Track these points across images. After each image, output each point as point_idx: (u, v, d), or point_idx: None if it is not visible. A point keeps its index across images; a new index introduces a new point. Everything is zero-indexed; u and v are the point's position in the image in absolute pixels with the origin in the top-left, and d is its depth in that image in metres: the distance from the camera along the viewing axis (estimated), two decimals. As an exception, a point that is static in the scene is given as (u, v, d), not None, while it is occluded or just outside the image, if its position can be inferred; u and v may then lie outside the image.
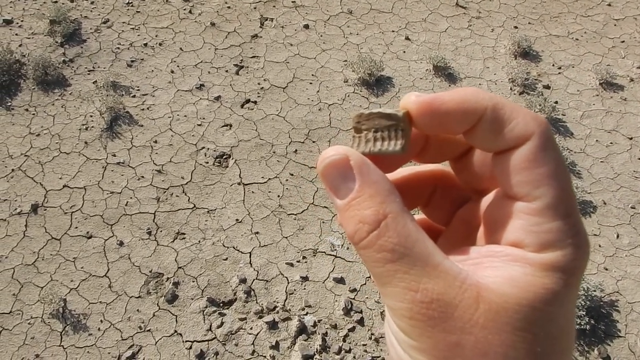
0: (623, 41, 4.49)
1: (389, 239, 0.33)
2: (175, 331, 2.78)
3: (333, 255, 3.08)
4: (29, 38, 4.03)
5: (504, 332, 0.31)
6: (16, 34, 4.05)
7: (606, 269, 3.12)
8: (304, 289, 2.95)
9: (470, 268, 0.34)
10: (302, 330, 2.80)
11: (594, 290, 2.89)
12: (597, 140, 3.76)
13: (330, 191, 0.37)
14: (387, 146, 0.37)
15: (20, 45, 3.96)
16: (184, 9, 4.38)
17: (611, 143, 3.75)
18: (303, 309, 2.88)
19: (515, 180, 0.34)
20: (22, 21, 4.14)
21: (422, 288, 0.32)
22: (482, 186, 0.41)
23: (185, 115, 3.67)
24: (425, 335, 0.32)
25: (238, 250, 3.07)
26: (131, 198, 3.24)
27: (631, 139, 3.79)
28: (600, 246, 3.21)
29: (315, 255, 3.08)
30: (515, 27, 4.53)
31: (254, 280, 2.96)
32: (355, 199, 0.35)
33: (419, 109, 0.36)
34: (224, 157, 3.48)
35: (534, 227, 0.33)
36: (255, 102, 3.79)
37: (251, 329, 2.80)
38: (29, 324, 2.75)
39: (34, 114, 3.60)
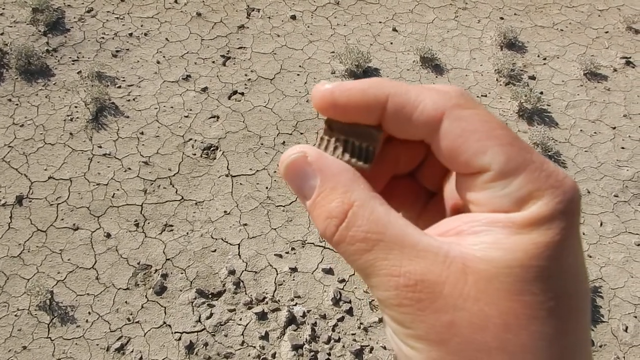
0: (607, 32, 4.54)
1: (359, 228, 0.31)
2: (164, 322, 2.77)
3: (322, 246, 3.09)
4: (11, 26, 3.95)
5: (499, 300, 0.29)
6: (-3, 24, 3.97)
7: (590, 256, 3.18)
8: (293, 279, 2.96)
9: (452, 238, 0.32)
10: (291, 320, 2.81)
11: (578, 278, 2.94)
12: (581, 130, 3.81)
13: (297, 193, 0.35)
14: (355, 160, 0.35)
15: (2, 34, 3.89)
16: (170, -1, 4.33)
17: (595, 133, 3.81)
18: (292, 300, 2.89)
19: (461, 160, 0.32)
20: (3, 9, 4.06)
21: (404, 271, 0.30)
22: (439, 185, 0.40)
23: (172, 107, 3.64)
24: (417, 321, 0.30)
25: (226, 242, 3.07)
26: (118, 190, 3.21)
27: (614, 128, 3.85)
28: (584, 234, 3.27)
29: (304, 247, 3.09)
30: (501, 18, 4.56)
31: (242, 271, 2.96)
32: (319, 195, 0.33)
33: (320, 99, 0.35)
34: (212, 148, 3.47)
35: (503, 191, 0.31)
36: (242, 94, 3.77)
37: (240, 319, 2.81)
38: (15, 316, 2.73)
39: (17, 104, 3.54)
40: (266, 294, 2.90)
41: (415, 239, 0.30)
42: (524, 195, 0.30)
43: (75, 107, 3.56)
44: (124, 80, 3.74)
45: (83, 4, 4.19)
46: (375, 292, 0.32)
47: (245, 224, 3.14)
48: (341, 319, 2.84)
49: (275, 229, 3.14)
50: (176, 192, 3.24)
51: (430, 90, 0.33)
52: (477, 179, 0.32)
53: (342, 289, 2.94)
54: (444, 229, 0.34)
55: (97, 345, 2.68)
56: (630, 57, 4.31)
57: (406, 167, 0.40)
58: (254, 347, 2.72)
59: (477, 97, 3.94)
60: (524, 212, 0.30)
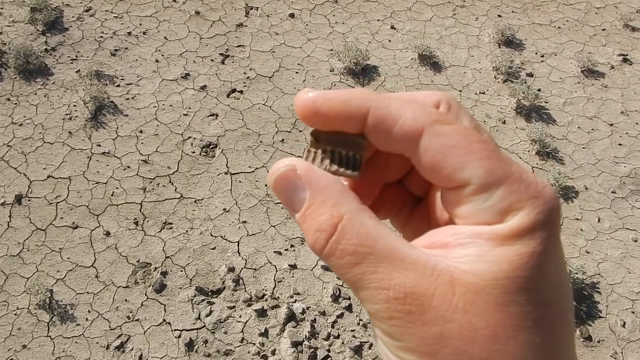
0: (604, 29, 4.55)
1: (348, 241, 0.31)
2: (164, 320, 2.78)
3: (321, 242, 3.10)
4: (9, 26, 3.95)
5: (487, 312, 0.29)
6: (-5, 23, 3.97)
7: (588, 252, 3.19)
8: (293, 276, 2.97)
9: (439, 251, 0.32)
10: (291, 317, 2.82)
11: (576, 273, 2.96)
12: (579, 127, 3.83)
13: (286, 206, 0.35)
14: (343, 170, 0.36)
15: (0, 33, 3.89)
16: (168, -2, 4.33)
17: (592, 129, 3.82)
18: (292, 297, 2.90)
19: (442, 175, 0.33)
20: (1, 8, 4.06)
21: (394, 284, 0.30)
22: (426, 191, 0.41)
23: (171, 105, 3.64)
24: (407, 333, 0.30)
25: (226, 239, 3.08)
26: (117, 188, 3.22)
27: (611, 125, 3.86)
28: (582, 230, 3.28)
29: (303, 244, 3.09)
30: (499, 16, 4.57)
31: (242, 269, 2.97)
32: (309, 207, 0.33)
33: (302, 107, 0.35)
34: (211, 146, 3.47)
35: (485, 204, 0.31)
36: (241, 92, 3.78)
37: (240, 317, 2.82)
38: (15, 315, 2.73)
39: (16, 104, 3.54)
40: (265, 291, 2.91)
41: (404, 252, 0.31)
42: (505, 207, 0.31)
43: (74, 105, 3.57)
44: (122, 79, 3.74)
45: (81, 3, 4.20)
46: (365, 305, 0.32)
47: (245, 222, 3.15)
48: (340, 316, 2.85)
49: (274, 226, 3.14)
50: (175, 190, 3.25)
51: (411, 104, 0.33)
52: (459, 192, 0.32)
53: (342, 285, 2.95)
54: (430, 240, 0.34)
55: (97, 343, 2.68)
56: (627, 54, 4.33)
57: (396, 174, 0.41)
58: (254, 344, 2.73)
59: (475, 94, 3.95)
60: (506, 224, 0.31)
